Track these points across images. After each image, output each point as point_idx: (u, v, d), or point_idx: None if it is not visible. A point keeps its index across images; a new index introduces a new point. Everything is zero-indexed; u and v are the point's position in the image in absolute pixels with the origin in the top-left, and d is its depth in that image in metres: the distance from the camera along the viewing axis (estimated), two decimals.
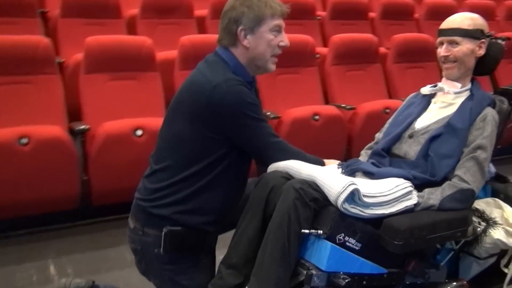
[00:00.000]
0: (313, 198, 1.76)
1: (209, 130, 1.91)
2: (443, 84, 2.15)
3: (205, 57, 2.04)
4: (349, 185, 1.73)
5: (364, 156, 2.28)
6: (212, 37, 4.18)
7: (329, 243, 1.74)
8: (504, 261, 2.12)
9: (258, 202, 1.88)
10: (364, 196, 1.76)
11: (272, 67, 2.01)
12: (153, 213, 1.98)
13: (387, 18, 5.83)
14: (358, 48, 4.49)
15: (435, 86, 2.19)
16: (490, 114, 2.00)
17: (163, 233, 1.95)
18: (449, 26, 2.09)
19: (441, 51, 2.09)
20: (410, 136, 2.10)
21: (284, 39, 1.99)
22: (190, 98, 1.94)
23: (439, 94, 2.17)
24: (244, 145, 1.95)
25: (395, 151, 2.12)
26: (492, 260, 2.11)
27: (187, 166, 1.95)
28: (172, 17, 4.87)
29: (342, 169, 2.02)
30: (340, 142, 4.03)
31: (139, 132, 3.30)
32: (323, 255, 1.74)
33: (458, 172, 1.94)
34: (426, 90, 2.21)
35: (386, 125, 2.30)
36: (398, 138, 2.12)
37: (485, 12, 5.90)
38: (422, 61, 4.75)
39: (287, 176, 1.89)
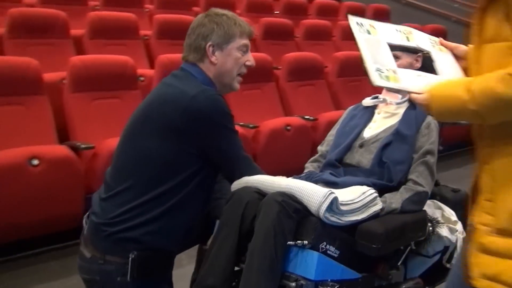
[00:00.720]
0: (296, 209, 1.78)
1: (185, 143, 1.85)
2: (385, 95, 2.30)
3: (171, 73, 2.00)
4: (329, 194, 1.78)
5: (310, 168, 2.34)
6: (108, 57, 4.11)
7: (315, 253, 1.77)
8: (446, 257, 2.30)
9: (234, 219, 1.85)
10: (341, 204, 1.82)
11: (237, 85, 2.03)
12: (118, 237, 1.85)
13: (269, 38, 6.06)
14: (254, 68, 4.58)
15: (376, 98, 2.32)
16: (433, 121, 2.18)
17: (130, 258, 1.83)
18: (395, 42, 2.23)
19: None
20: (361, 146, 2.20)
21: (251, 58, 2.02)
22: (163, 112, 1.87)
23: (381, 105, 2.31)
24: (217, 157, 1.92)
25: (347, 161, 2.21)
26: (437, 257, 2.27)
27: (157, 184, 1.86)
28: (44, 37, 4.53)
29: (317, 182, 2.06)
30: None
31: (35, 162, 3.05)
32: (310, 264, 1.76)
33: (411, 176, 2.08)
34: (368, 102, 2.33)
35: (330, 137, 2.39)
36: (348, 148, 2.22)
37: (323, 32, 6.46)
38: (312, 78, 5.00)
39: (259, 191, 1.88)
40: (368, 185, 2.00)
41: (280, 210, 1.75)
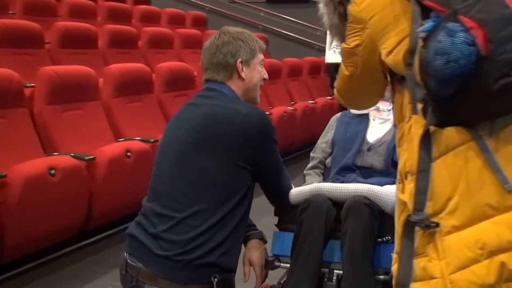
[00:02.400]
0: (378, 210, 1.97)
1: (243, 161, 1.88)
2: (377, 103, 2.59)
3: (201, 94, 2.03)
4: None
5: (313, 175, 2.52)
6: (80, 68, 4.08)
7: None
8: None
9: (318, 227, 1.97)
10: None
11: (259, 99, 2.11)
12: (197, 264, 1.81)
13: (113, 46, 5.90)
14: (133, 79, 4.51)
15: None
16: None
17: (214, 283, 1.82)
18: None
19: None
20: (369, 149, 2.46)
21: (265, 72, 2.12)
22: (221, 132, 1.87)
23: (372, 112, 2.60)
24: (266, 171, 1.98)
25: (359, 164, 2.45)
26: None
27: (222, 204, 1.86)
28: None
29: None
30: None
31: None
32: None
33: None
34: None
35: (323, 144, 2.60)
36: (358, 152, 2.47)
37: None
38: (186, 89, 5.05)
39: (329, 198, 2.04)
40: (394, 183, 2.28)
41: (370, 212, 1.93)
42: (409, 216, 1.31)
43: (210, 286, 1.81)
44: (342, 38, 1.55)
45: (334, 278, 1.99)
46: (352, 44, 1.47)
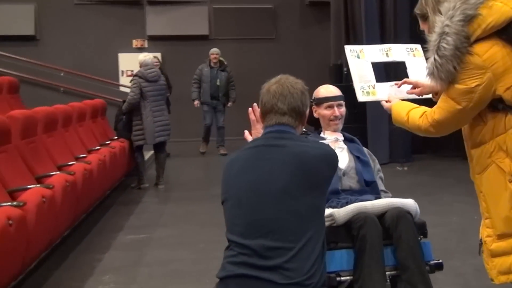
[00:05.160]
0: (413, 216, 2.50)
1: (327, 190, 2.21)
2: (333, 135, 3.06)
3: (277, 135, 2.20)
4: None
5: None
6: None
7: (428, 241, 2.54)
8: None
9: (379, 237, 2.39)
10: None
11: None
12: (320, 285, 2.08)
13: None
14: None
15: (324, 139, 3.06)
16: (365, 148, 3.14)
17: None
18: (335, 93, 3.02)
19: (334, 111, 2.99)
20: (344, 174, 2.93)
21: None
22: (319, 169, 2.13)
23: (330, 144, 3.05)
24: None
25: (340, 187, 2.89)
26: None
27: (323, 228, 2.16)
28: None
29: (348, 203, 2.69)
30: None
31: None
32: (428, 250, 2.53)
33: (381, 188, 2.99)
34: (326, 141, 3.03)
35: None
36: (338, 178, 2.91)
37: None
38: None
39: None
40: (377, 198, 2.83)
41: (412, 219, 2.44)
42: None
43: None
44: (446, 81, 2.08)
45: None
46: (473, 85, 2.02)
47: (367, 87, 2.51)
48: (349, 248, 2.45)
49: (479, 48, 2.07)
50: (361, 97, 2.50)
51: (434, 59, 2.11)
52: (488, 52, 2.06)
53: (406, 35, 7.50)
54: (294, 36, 11.71)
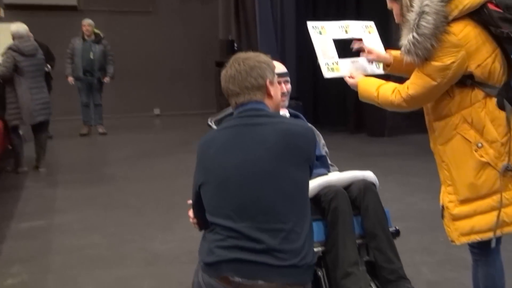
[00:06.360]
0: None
1: (312, 170, 2.19)
2: (282, 111, 3.05)
3: (249, 113, 2.14)
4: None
5: None
6: None
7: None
8: None
9: (348, 208, 2.48)
10: None
11: None
12: (312, 264, 2.09)
13: None
14: None
15: None
16: None
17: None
18: (282, 70, 2.99)
19: (281, 87, 2.96)
20: None
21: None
22: (299, 146, 2.08)
23: None
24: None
25: None
26: None
27: (308, 206, 2.14)
28: None
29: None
30: None
31: None
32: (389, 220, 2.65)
33: (328, 162, 3.07)
34: None
35: None
36: None
37: None
38: None
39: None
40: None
41: (376, 190, 2.54)
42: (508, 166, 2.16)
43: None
44: (423, 58, 2.17)
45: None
46: (448, 62, 2.14)
47: (331, 63, 2.53)
48: (318, 220, 2.49)
49: (455, 27, 2.18)
50: (326, 73, 2.53)
51: (413, 36, 2.18)
52: (463, 31, 2.18)
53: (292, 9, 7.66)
54: (173, 10, 11.34)
